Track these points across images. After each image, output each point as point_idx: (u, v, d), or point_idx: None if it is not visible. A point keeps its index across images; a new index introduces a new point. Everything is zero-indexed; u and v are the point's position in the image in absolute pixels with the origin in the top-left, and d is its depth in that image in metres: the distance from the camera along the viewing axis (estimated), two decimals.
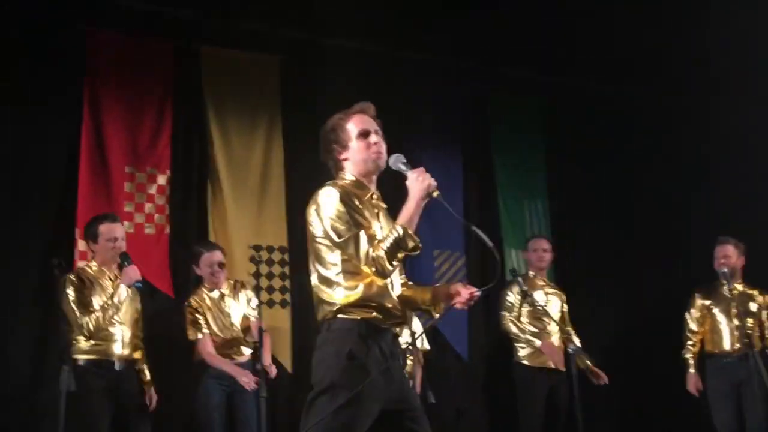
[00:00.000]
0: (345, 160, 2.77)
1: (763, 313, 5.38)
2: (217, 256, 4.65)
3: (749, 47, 5.69)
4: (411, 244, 2.54)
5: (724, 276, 5.24)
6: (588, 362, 5.05)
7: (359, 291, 2.60)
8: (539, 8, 5.38)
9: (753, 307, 5.36)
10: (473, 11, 5.45)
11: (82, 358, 4.02)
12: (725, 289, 5.27)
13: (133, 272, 4.03)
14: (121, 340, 4.11)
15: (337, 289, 2.62)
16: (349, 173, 2.77)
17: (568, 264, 6.04)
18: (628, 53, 5.94)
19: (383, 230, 2.67)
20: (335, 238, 2.60)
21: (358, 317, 2.59)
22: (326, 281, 2.65)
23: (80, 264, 4.51)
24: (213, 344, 4.53)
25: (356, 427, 2.49)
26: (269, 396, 4.37)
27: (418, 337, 4.88)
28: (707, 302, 5.39)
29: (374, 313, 2.61)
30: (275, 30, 5.58)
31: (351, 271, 2.61)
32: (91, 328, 3.97)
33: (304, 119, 5.61)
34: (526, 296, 5.18)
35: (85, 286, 4.09)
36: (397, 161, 2.72)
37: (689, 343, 5.41)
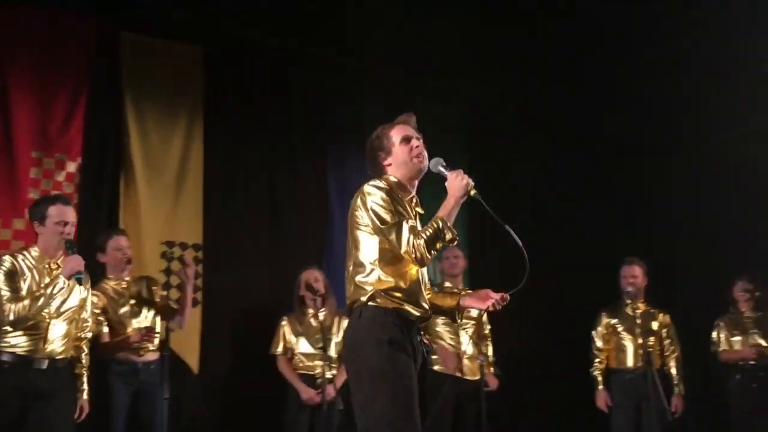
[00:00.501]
0: (389, 165, 2.95)
1: (663, 332, 5.59)
2: (124, 241, 4.50)
3: None
4: (449, 235, 2.72)
5: (629, 295, 5.42)
6: (491, 369, 5.14)
7: (393, 279, 2.75)
8: None
9: (654, 326, 5.57)
10: None
11: (4, 350, 3.63)
12: (629, 308, 5.45)
13: (75, 262, 3.66)
14: (53, 336, 3.71)
15: (372, 274, 2.76)
16: (393, 177, 2.94)
17: (481, 271, 6.08)
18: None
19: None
20: (378, 224, 2.75)
21: (390, 306, 2.74)
22: (362, 266, 2.78)
23: (18, 247, 4.14)
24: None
25: (414, 406, 2.66)
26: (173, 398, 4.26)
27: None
28: (613, 321, 5.56)
29: (405, 306, 2.76)
30: (201, 20, 5.41)
31: (389, 259, 2.76)
32: (15, 317, 3.56)
33: (226, 114, 5.49)
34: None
35: (17, 271, 3.67)
36: (437, 164, 2.92)
37: (596, 360, 5.56)
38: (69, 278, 3.67)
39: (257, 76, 5.66)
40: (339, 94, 5.97)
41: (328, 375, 4.75)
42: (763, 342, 5.61)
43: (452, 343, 5.21)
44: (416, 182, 2.99)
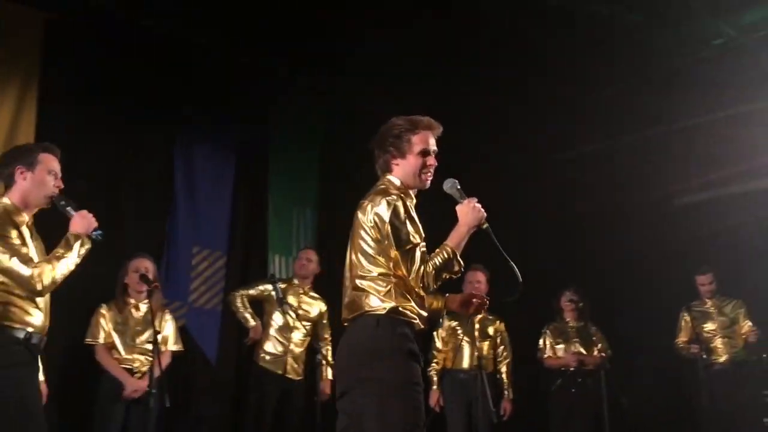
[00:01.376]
0: (396, 165, 2.91)
1: (498, 338, 5.85)
2: None
3: None
4: (456, 267, 2.77)
5: None
6: (327, 372, 5.15)
7: (408, 292, 2.78)
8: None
9: (491, 331, 5.82)
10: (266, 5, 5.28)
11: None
12: None
13: (89, 219, 3.11)
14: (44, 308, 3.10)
15: (389, 285, 2.76)
16: (396, 179, 2.91)
17: (329, 275, 6.06)
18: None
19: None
20: (396, 244, 2.74)
21: (406, 318, 2.77)
22: (378, 276, 2.78)
23: None
24: None
25: (421, 421, 2.70)
26: None
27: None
28: (454, 324, 5.74)
29: (416, 318, 2.80)
30: None
31: (401, 276, 2.77)
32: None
33: (62, 85, 5.08)
34: (281, 303, 5.16)
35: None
36: (453, 186, 2.90)
37: (434, 360, 5.73)
38: (88, 237, 3.10)
39: (104, 52, 5.28)
40: (188, 77, 5.70)
41: (145, 369, 4.55)
42: (583, 350, 6.01)
43: (283, 341, 5.17)
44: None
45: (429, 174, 2.93)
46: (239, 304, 5.24)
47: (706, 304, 6.16)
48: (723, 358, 5.94)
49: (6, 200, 3.08)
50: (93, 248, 2.98)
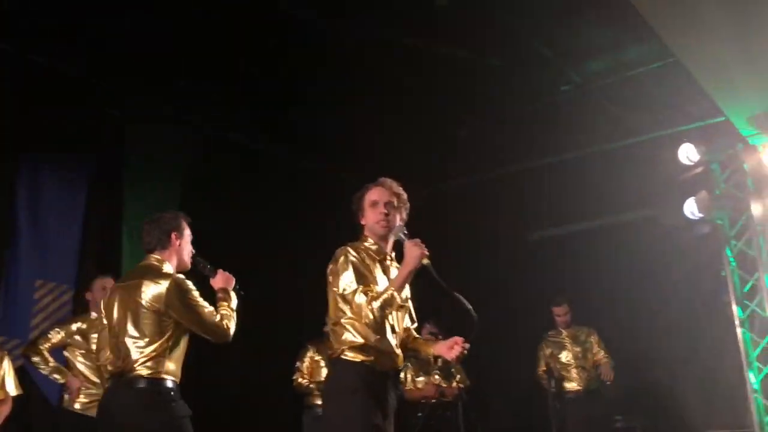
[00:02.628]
0: (364, 224, 3.32)
1: None
2: None
3: None
4: (397, 304, 3.07)
5: None
6: None
7: (361, 338, 3.07)
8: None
9: None
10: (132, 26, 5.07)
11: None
12: None
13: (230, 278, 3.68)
14: None
15: (343, 330, 3.11)
16: (368, 236, 3.30)
17: None
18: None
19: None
20: (342, 292, 3.09)
21: (358, 359, 3.06)
22: (336, 323, 3.14)
23: None
24: None
25: None
26: None
27: None
28: (317, 357, 5.76)
29: (372, 357, 3.07)
30: None
31: (355, 319, 3.08)
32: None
33: None
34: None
35: None
36: (399, 230, 3.23)
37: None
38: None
39: None
40: (34, 100, 5.33)
41: None
42: (442, 382, 6.11)
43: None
44: (390, 241, 3.30)
45: (382, 222, 3.25)
46: (38, 359, 4.73)
47: (562, 334, 6.44)
48: (577, 387, 6.22)
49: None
50: None
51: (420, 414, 6.01)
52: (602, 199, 7.26)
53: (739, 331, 5.77)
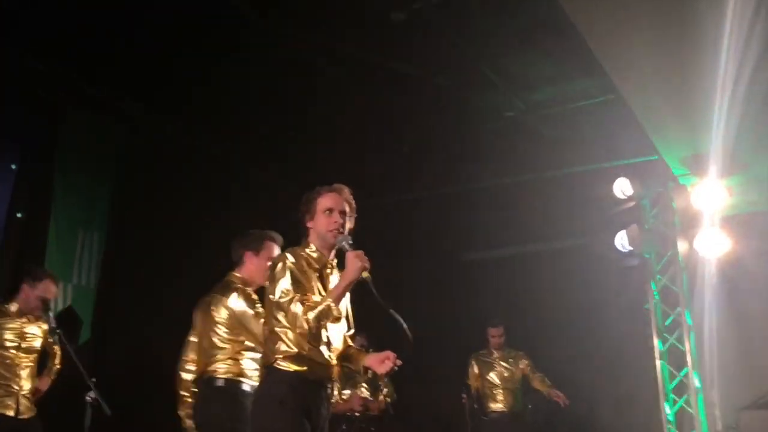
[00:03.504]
0: (311, 227, 3.23)
1: None
2: None
3: None
4: (335, 313, 3.03)
5: None
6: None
7: (295, 347, 3.02)
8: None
9: None
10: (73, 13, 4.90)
11: None
12: None
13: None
14: None
15: (277, 340, 3.05)
16: (312, 242, 3.23)
17: (113, 304, 5.65)
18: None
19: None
20: (278, 299, 3.03)
21: (291, 369, 3.01)
22: (271, 332, 3.09)
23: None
24: None
25: None
26: None
27: None
28: None
29: (305, 368, 3.03)
30: None
31: (288, 329, 3.02)
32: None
33: None
34: (54, 332, 4.65)
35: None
36: (344, 240, 3.14)
37: None
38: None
39: None
40: None
41: None
42: (369, 395, 6.09)
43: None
44: (333, 250, 3.23)
45: (335, 231, 3.18)
46: None
47: (493, 354, 6.50)
48: (502, 408, 6.30)
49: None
50: None
51: (344, 427, 5.96)
52: (538, 226, 7.42)
53: (658, 363, 5.96)
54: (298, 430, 2.92)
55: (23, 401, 4.60)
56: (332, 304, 3.01)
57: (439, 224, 7.79)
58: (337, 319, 3.09)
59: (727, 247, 5.83)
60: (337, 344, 3.20)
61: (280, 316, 3.03)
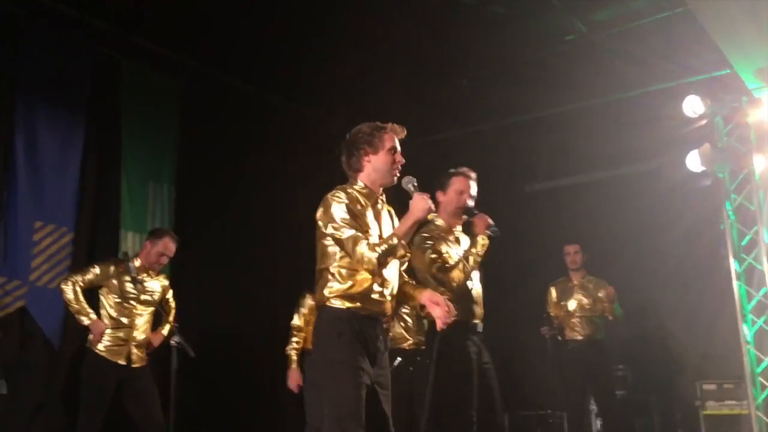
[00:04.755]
0: (368, 162, 3.20)
1: None
2: None
3: None
4: (402, 251, 3.06)
5: None
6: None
7: (349, 285, 3.07)
8: None
9: None
10: None
11: None
12: None
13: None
14: None
15: (331, 279, 3.09)
16: (362, 179, 3.21)
17: (186, 254, 5.82)
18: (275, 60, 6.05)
19: (383, 233, 3.17)
20: (338, 236, 3.04)
21: (344, 307, 3.06)
22: (324, 270, 3.12)
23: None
24: None
25: (360, 393, 2.95)
26: None
27: None
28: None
29: (359, 304, 3.07)
30: None
31: (346, 266, 3.07)
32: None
33: None
34: (135, 282, 4.88)
35: None
36: (409, 182, 3.19)
37: (294, 339, 5.63)
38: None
39: None
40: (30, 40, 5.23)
41: None
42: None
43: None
44: (381, 188, 3.25)
45: (398, 171, 3.22)
46: (71, 296, 4.70)
47: (571, 281, 6.30)
48: (580, 336, 6.15)
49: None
50: None
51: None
52: (604, 152, 7.23)
53: (735, 284, 5.81)
54: (358, 362, 2.99)
55: (135, 351, 4.87)
56: (400, 242, 3.03)
57: (503, 156, 7.67)
58: (404, 257, 3.10)
59: None
60: (392, 279, 3.21)
61: (335, 252, 3.08)
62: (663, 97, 6.28)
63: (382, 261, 3.00)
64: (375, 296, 3.11)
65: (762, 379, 5.64)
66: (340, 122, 6.40)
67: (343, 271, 3.07)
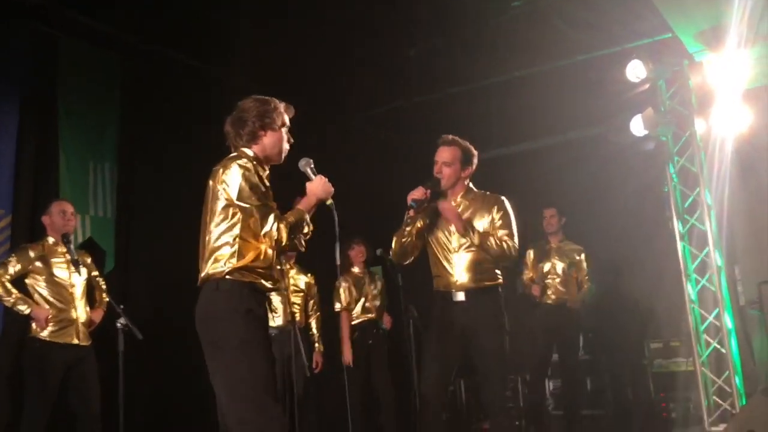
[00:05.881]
0: (262, 136, 3.08)
1: (309, 292, 5.92)
2: None
3: None
4: (306, 228, 3.03)
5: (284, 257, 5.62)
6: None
7: (251, 257, 2.93)
8: None
9: (301, 285, 5.86)
10: None
11: None
12: (280, 269, 5.61)
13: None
14: None
15: (232, 249, 2.91)
16: (253, 151, 3.08)
17: (131, 234, 5.70)
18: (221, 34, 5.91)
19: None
20: (245, 203, 2.90)
21: (246, 280, 2.92)
22: (222, 240, 2.93)
23: None
24: None
25: (272, 373, 2.87)
26: None
27: None
28: None
29: (260, 279, 2.97)
30: None
31: (249, 235, 2.93)
32: None
33: None
34: (76, 264, 4.75)
35: None
36: (307, 164, 3.18)
37: None
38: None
39: None
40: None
41: None
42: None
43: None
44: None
45: (287, 149, 3.16)
46: (1, 292, 4.54)
47: (549, 243, 6.22)
48: (552, 299, 6.06)
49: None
50: None
51: (356, 333, 6.07)
52: (550, 118, 7.28)
53: (679, 244, 5.95)
54: (267, 341, 2.95)
55: (81, 328, 4.77)
56: (305, 215, 3.02)
57: (450, 124, 7.65)
58: (307, 234, 3.07)
59: (746, 124, 5.70)
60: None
61: (235, 223, 2.92)
62: (607, 61, 6.32)
63: (292, 233, 2.93)
64: (272, 271, 3.05)
65: (706, 336, 5.82)
66: (270, 92, 6.31)
67: (246, 242, 2.94)
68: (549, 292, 6.09)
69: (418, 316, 5.33)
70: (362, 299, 6.11)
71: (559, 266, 6.12)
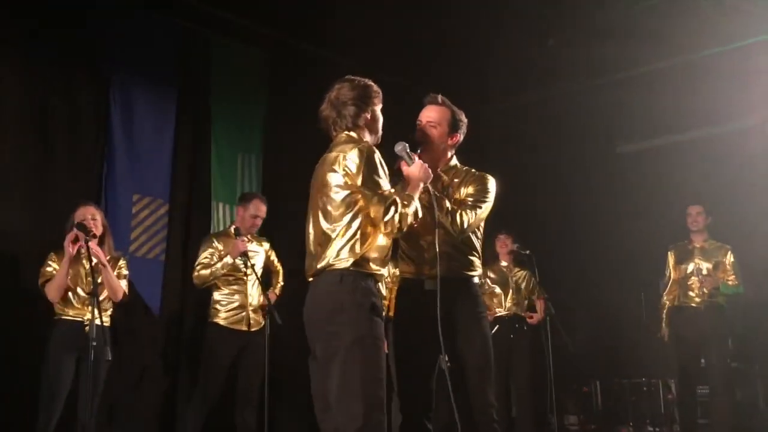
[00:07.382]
0: (366, 121, 2.95)
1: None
2: None
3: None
4: (421, 214, 2.92)
5: None
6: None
7: (371, 246, 2.79)
8: None
9: None
10: None
11: None
12: None
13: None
14: None
15: (354, 238, 2.76)
16: (359, 135, 2.94)
17: (276, 223, 5.95)
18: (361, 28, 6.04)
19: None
20: (368, 190, 2.75)
21: (368, 271, 2.78)
22: (343, 229, 2.77)
23: None
24: None
25: (383, 372, 2.72)
26: None
27: None
28: None
29: (380, 269, 2.83)
30: None
31: (368, 226, 2.78)
32: None
33: None
34: (246, 257, 4.96)
35: None
36: (405, 149, 3.03)
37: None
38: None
39: None
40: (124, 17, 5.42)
41: (98, 322, 4.26)
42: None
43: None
44: None
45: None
46: (207, 273, 4.86)
47: (692, 242, 5.82)
48: (697, 301, 5.66)
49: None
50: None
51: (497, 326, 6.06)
52: (699, 110, 6.91)
53: None
54: (381, 336, 2.78)
55: (252, 315, 4.99)
56: (418, 203, 2.90)
57: (593, 117, 7.44)
58: (416, 222, 2.94)
59: None
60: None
61: (362, 213, 2.78)
62: (755, 51, 5.91)
63: (414, 219, 2.85)
64: (386, 260, 2.91)
65: None
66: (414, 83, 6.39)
67: (367, 231, 2.80)
68: (693, 293, 5.68)
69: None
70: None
71: (704, 267, 5.70)
